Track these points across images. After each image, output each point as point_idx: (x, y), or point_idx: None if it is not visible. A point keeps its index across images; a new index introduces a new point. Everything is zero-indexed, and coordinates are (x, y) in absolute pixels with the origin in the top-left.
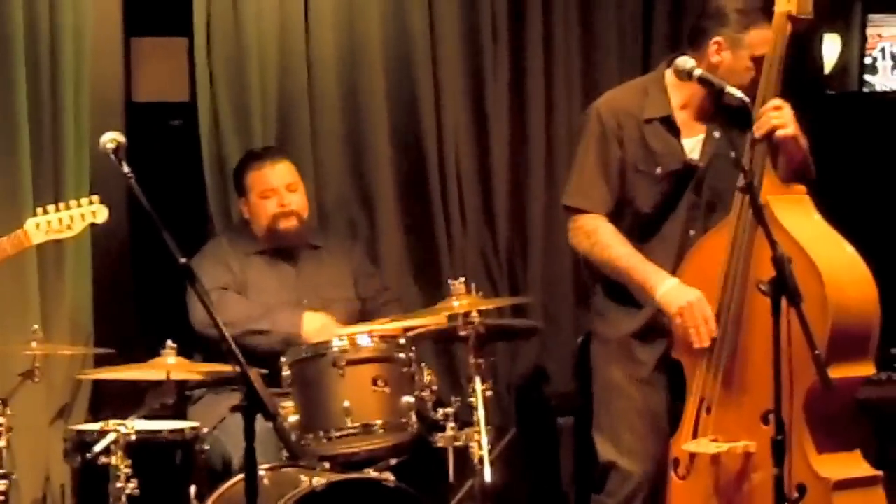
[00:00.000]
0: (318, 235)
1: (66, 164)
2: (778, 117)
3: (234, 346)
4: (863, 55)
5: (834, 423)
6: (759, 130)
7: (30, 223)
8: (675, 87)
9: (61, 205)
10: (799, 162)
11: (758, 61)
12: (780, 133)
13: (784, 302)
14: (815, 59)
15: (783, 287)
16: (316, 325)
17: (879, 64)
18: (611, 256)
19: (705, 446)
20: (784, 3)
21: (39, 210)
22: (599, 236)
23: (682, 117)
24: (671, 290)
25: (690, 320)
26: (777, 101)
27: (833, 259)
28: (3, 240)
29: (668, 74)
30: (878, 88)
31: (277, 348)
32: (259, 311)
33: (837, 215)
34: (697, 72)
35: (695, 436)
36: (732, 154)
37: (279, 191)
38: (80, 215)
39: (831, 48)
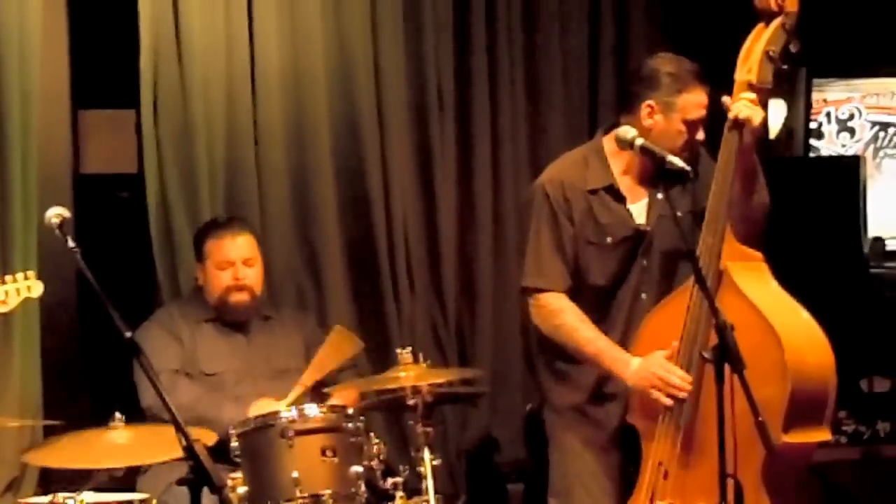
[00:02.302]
0: (269, 306)
1: (13, 237)
2: (747, 106)
3: (179, 417)
4: (808, 120)
5: (790, 487)
6: (731, 114)
7: None
8: (615, 155)
9: None
10: (750, 172)
11: (690, 124)
12: (744, 115)
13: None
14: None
15: (725, 354)
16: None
17: (825, 128)
18: (577, 340)
19: None
20: (745, 73)
21: None
22: (565, 318)
23: (625, 183)
24: (636, 373)
25: (663, 386)
26: (752, 94)
27: (792, 325)
28: None
29: (607, 142)
30: (824, 153)
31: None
32: (207, 401)
33: (784, 279)
34: (639, 141)
35: (651, 500)
36: (678, 214)
37: (236, 264)
38: (15, 290)
39: (777, 113)
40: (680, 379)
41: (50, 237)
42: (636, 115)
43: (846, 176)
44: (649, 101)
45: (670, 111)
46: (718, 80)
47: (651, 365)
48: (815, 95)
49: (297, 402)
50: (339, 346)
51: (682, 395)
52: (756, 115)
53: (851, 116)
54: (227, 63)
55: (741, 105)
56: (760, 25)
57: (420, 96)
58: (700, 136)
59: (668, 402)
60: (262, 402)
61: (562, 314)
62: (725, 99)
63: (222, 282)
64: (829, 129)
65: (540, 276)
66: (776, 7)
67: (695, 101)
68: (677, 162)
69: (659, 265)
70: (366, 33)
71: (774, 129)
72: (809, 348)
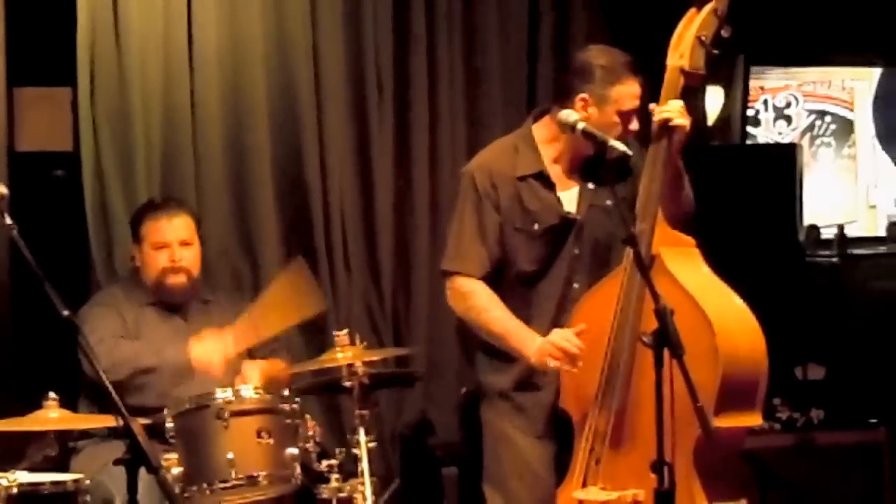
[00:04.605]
0: (207, 290)
1: None
2: (671, 112)
3: (116, 397)
4: (745, 107)
5: (722, 472)
6: (657, 120)
7: None
8: (545, 143)
9: None
10: (676, 172)
11: (624, 116)
12: (676, 121)
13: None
14: (699, 112)
15: (665, 339)
16: (205, 348)
17: (762, 116)
18: (486, 320)
19: (595, 494)
20: (677, 58)
21: None
22: (475, 300)
23: (555, 171)
24: (538, 350)
25: (559, 355)
26: (678, 102)
27: (723, 310)
28: None
29: (537, 130)
30: (761, 140)
31: (168, 389)
32: (147, 349)
33: (720, 267)
34: (581, 125)
35: (584, 485)
36: (608, 203)
37: (172, 245)
38: None
39: (714, 100)
40: (576, 347)
41: None
42: (570, 107)
43: (782, 164)
44: (583, 94)
45: (604, 103)
46: (660, 69)
47: (551, 338)
48: (753, 83)
49: (239, 342)
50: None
51: (577, 363)
52: (684, 123)
53: (788, 104)
54: (164, 43)
55: (670, 112)
56: (692, 11)
57: (359, 80)
58: (634, 126)
59: (566, 367)
60: (204, 342)
61: (472, 296)
62: (653, 106)
63: (158, 263)
64: (766, 116)
65: (458, 261)
66: None
67: (628, 93)
68: (618, 146)
69: (591, 254)
70: (304, 15)
71: (711, 117)
72: (741, 333)
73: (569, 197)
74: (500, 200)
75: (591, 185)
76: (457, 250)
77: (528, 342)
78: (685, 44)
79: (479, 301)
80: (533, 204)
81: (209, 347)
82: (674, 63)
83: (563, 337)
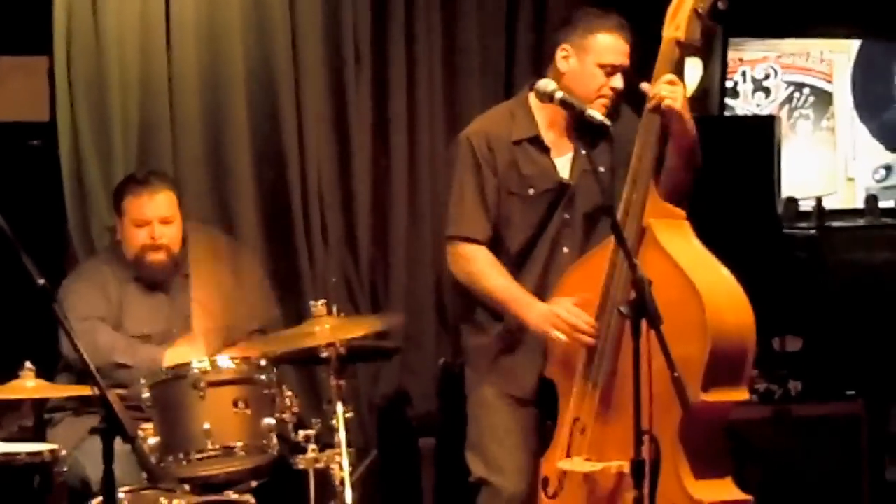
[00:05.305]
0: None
1: None
2: (670, 91)
3: (93, 368)
4: (724, 79)
5: (708, 446)
6: (650, 101)
7: None
8: (540, 109)
9: None
10: (687, 147)
11: (605, 70)
12: (666, 104)
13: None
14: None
15: (643, 310)
16: (178, 355)
17: (740, 88)
18: (487, 287)
19: (580, 465)
20: (672, 30)
21: None
22: (478, 265)
23: (550, 137)
24: (540, 314)
25: (567, 328)
26: (672, 77)
27: (713, 284)
28: None
29: (532, 97)
30: (739, 112)
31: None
32: (124, 344)
33: (699, 238)
34: (559, 94)
35: (568, 454)
36: (601, 168)
37: (152, 223)
38: None
39: (693, 72)
40: (586, 324)
41: None
42: (555, 64)
43: (761, 136)
44: (564, 45)
45: (583, 53)
46: (652, 42)
47: (557, 308)
48: (732, 54)
49: (210, 348)
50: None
51: (587, 339)
52: (677, 100)
53: (767, 76)
54: (141, 12)
55: (662, 91)
56: None
57: (336, 49)
58: (617, 83)
59: (566, 340)
60: (178, 348)
61: (475, 261)
62: (644, 85)
63: (138, 240)
64: (745, 88)
65: (462, 225)
66: None
67: (608, 44)
68: (596, 115)
69: (581, 220)
70: None
71: (691, 88)
72: (730, 308)
73: (563, 163)
74: (496, 164)
75: (584, 151)
76: (459, 215)
77: (529, 309)
78: (682, 15)
79: (480, 266)
80: (528, 168)
81: (183, 353)
82: (670, 35)
83: (571, 311)
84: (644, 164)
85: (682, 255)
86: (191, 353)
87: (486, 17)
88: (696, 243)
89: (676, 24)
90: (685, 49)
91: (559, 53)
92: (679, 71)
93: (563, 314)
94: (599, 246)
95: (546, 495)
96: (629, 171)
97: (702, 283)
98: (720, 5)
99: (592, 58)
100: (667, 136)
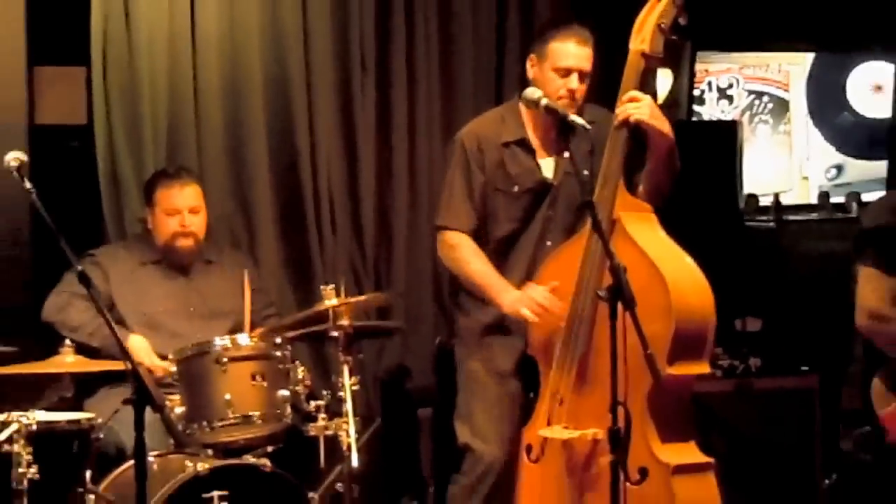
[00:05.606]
0: (212, 251)
1: None
2: (636, 107)
3: (124, 345)
4: (692, 88)
5: (673, 415)
6: (616, 118)
7: None
8: (527, 114)
9: None
10: (665, 151)
11: (561, 73)
12: (634, 118)
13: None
14: (650, 91)
15: (619, 294)
16: (134, 347)
17: (707, 96)
18: (468, 271)
19: (559, 432)
20: (638, 43)
21: None
22: (460, 252)
23: (536, 140)
24: (513, 301)
25: (539, 310)
26: (634, 93)
27: (677, 270)
28: None
29: (521, 103)
30: (706, 117)
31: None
32: (92, 327)
33: (668, 230)
34: (544, 101)
35: (549, 423)
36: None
37: (182, 212)
38: None
39: (664, 81)
40: (555, 307)
41: (5, 181)
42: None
43: (725, 139)
44: (531, 55)
45: (543, 60)
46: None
47: (531, 291)
48: (699, 66)
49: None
50: None
51: (555, 321)
52: (644, 112)
53: (730, 85)
54: (169, 27)
55: (628, 108)
56: (653, 0)
57: (344, 60)
58: (572, 84)
59: (536, 320)
60: (136, 338)
61: (459, 248)
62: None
63: (169, 228)
64: (710, 96)
65: (449, 217)
66: None
67: (560, 50)
68: (578, 120)
69: (563, 217)
70: (296, 1)
71: (661, 96)
72: (692, 291)
73: (547, 164)
74: (485, 163)
75: (566, 154)
76: (448, 208)
77: (503, 294)
78: (646, 30)
79: (463, 253)
80: (514, 168)
81: (140, 346)
82: (636, 47)
83: (544, 296)
84: (612, 168)
85: (649, 243)
86: (146, 346)
87: (479, 31)
88: (662, 233)
89: (642, 38)
90: (650, 60)
91: (528, 63)
92: (644, 80)
93: (536, 297)
94: (573, 238)
95: (529, 460)
96: (600, 172)
97: (667, 269)
98: (681, 21)
99: (549, 63)
100: (644, 143)
